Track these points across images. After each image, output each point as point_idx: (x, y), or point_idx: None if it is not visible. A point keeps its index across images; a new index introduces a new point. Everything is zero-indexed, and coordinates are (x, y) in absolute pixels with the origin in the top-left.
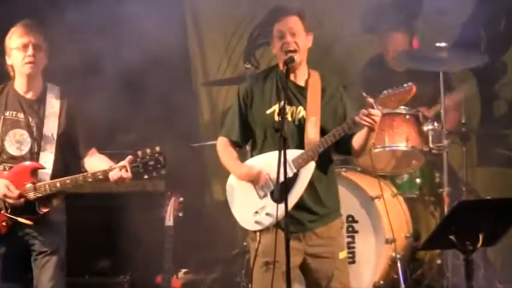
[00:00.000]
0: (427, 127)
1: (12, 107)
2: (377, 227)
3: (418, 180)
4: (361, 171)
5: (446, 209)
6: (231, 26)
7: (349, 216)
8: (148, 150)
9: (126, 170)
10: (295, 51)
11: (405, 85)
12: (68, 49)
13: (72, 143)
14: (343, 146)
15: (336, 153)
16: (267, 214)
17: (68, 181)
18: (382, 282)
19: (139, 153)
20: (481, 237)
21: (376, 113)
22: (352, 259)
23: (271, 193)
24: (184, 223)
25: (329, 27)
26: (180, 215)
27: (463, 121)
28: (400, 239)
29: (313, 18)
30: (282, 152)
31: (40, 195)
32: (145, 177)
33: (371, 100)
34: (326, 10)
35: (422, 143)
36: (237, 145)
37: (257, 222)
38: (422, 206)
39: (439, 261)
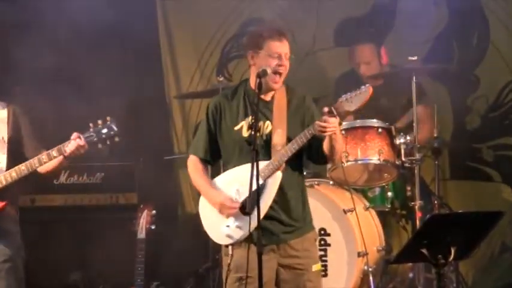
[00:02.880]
0: (399, 140)
1: None
2: (349, 240)
3: (390, 194)
4: (333, 184)
5: (418, 223)
6: (204, 39)
7: (321, 229)
8: (99, 121)
9: (80, 138)
10: (283, 74)
11: (362, 87)
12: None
13: (20, 147)
14: (315, 154)
15: (312, 163)
16: (238, 227)
17: (22, 167)
18: None
19: (91, 124)
20: (453, 250)
21: (332, 120)
22: (324, 272)
23: (241, 206)
24: (157, 236)
25: (302, 39)
26: (153, 227)
27: (435, 135)
28: (372, 252)
29: (286, 30)
30: (255, 165)
31: None
32: (100, 146)
33: (326, 108)
34: (299, 22)
35: (395, 157)
36: (207, 162)
37: (228, 236)
38: (394, 220)
39: (411, 275)
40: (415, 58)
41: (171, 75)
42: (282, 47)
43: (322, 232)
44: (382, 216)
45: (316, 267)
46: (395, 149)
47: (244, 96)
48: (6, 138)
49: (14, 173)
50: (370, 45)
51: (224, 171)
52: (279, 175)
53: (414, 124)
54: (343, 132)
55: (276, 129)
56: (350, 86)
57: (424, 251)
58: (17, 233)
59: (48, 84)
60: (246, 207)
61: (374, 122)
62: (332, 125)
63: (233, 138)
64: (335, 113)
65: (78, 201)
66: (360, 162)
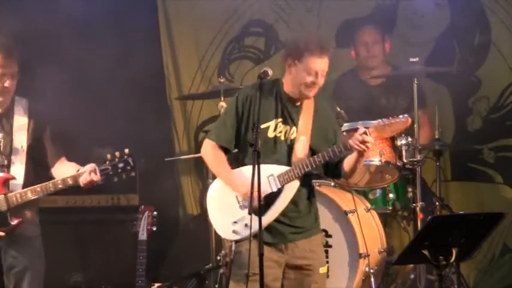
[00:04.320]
0: (400, 142)
1: None
2: (351, 242)
3: (391, 195)
4: (334, 185)
5: (419, 224)
6: (205, 40)
7: (323, 230)
8: (117, 153)
9: (95, 173)
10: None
11: (401, 116)
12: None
13: (41, 154)
14: (331, 169)
15: (330, 177)
16: (246, 225)
17: (38, 189)
18: None
19: (108, 156)
20: (454, 252)
21: (370, 140)
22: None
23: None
24: (158, 237)
25: None
26: (154, 229)
27: (436, 136)
28: (373, 253)
29: (287, 31)
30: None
31: (11, 205)
32: (115, 179)
33: (363, 129)
34: (300, 24)
35: (396, 158)
36: (226, 150)
37: (235, 232)
38: (395, 221)
39: (412, 276)
40: (416, 59)
41: (173, 77)
42: (320, 64)
43: (324, 233)
44: (384, 217)
45: (323, 269)
46: (397, 151)
47: (277, 96)
48: (25, 147)
49: (30, 193)
50: (375, 27)
51: (241, 165)
52: (296, 184)
53: (415, 125)
54: (344, 133)
55: (300, 135)
56: (350, 87)
57: (426, 252)
58: (37, 237)
59: (50, 87)
60: (248, 209)
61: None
62: (368, 144)
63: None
64: (368, 133)
65: (79, 202)
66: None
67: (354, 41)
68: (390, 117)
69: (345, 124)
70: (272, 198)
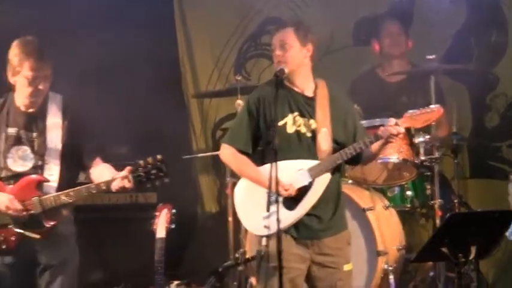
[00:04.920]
0: (418, 139)
1: (13, 123)
2: (369, 239)
3: (409, 193)
4: (352, 183)
5: (438, 222)
6: (222, 38)
7: None
8: (150, 159)
9: (129, 181)
10: (282, 63)
11: (432, 106)
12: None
13: (76, 153)
14: (355, 157)
15: (348, 164)
16: (277, 220)
17: (71, 193)
18: None
19: (141, 162)
20: (473, 249)
21: (401, 130)
22: None
23: (284, 199)
24: (176, 235)
25: (320, 38)
26: (172, 226)
27: (454, 130)
28: (392, 251)
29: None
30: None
31: (45, 208)
32: (148, 186)
33: (394, 120)
34: (317, 21)
35: (414, 155)
36: (245, 153)
37: (266, 227)
38: (413, 219)
39: (431, 274)
40: (433, 57)
41: (189, 74)
42: (274, 38)
43: None
44: (402, 215)
45: (348, 267)
46: (414, 148)
47: (288, 92)
48: (60, 147)
49: (63, 197)
50: (399, 21)
51: (266, 163)
52: (327, 176)
53: (433, 123)
54: None
55: (321, 127)
56: (368, 85)
57: (445, 249)
58: (72, 235)
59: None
60: (289, 201)
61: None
62: (398, 134)
63: (278, 133)
64: (400, 125)
65: (97, 200)
66: (379, 161)
67: (378, 33)
68: (421, 108)
69: (362, 122)
70: (303, 192)
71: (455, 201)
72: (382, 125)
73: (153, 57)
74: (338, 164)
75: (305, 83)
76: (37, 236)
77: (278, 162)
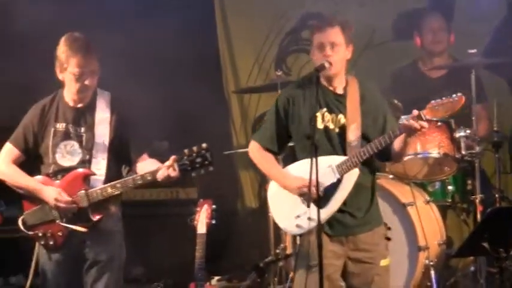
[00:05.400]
0: (459, 134)
1: (62, 118)
2: (410, 234)
3: (450, 188)
4: (393, 178)
5: (479, 217)
6: (262, 33)
7: None
8: (195, 148)
9: (174, 169)
10: (331, 64)
11: (454, 95)
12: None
13: (124, 148)
14: (384, 152)
15: (378, 159)
16: (309, 218)
17: (118, 185)
18: None
19: (185, 151)
20: None
21: (424, 124)
22: None
23: (314, 198)
24: (217, 231)
25: (360, 33)
26: (213, 222)
27: (495, 128)
28: (433, 246)
29: (332, 18)
30: (314, 160)
31: (93, 201)
32: (193, 174)
33: (416, 112)
34: (357, 16)
35: (455, 150)
36: (272, 152)
37: (298, 226)
38: (454, 213)
39: (472, 269)
40: (474, 51)
41: (229, 70)
42: (323, 37)
43: None
44: (443, 210)
45: (385, 262)
46: (455, 143)
47: (318, 88)
48: (108, 142)
49: (110, 189)
50: (441, 15)
51: (296, 161)
52: (356, 172)
53: (473, 118)
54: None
55: (350, 123)
56: (409, 79)
57: (486, 244)
58: (119, 232)
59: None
60: (306, 203)
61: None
62: (421, 127)
63: (307, 129)
64: (424, 118)
65: (138, 196)
66: (419, 156)
67: (420, 27)
68: (443, 98)
69: (402, 117)
70: (332, 189)
71: (496, 196)
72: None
73: (194, 53)
74: (367, 159)
75: (337, 80)
76: (84, 230)
77: (306, 160)
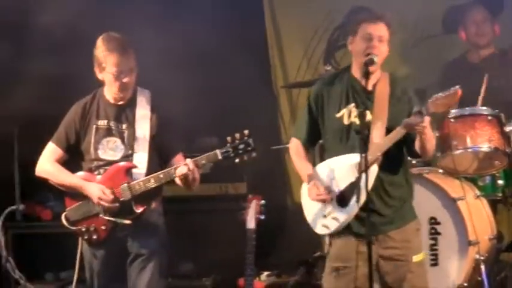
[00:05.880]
0: (509, 128)
1: (103, 115)
2: (460, 229)
3: (500, 182)
4: (443, 172)
5: None
6: (311, 27)
7: (431, 218)
8: (237, 135)
9: (190, 169)
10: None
11: (451, 89)
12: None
13: (162, 146)
14: (410, 149)
15: (409, 156)
16: (333, 218)
17: (161, 175)
18: (466, 284)
19: (228, 138)
20: None
21: (418, 120)
22: (435, 261)
23: (337, 197)
24: (266, 226)
25: (409, 27)
26: (262, 217)
27: None
28: (483, 241)
29: (393, 19)
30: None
31: (135, 194)
32: (236, 161)
33: (417, 108)
34: (406, 10)
35: (505, 144)
36: (304, 145)
37: (324, 226)
38: (505, 208)
39: None
40: None
41: (278, 65)
42: (373, 28)
43: (433, 221)
44: (493, 204)
45: (417, 257)
46: (506, 137)
47: (347, 83)
48: (148, 136)
49: (153, 180)
50: (484, 7)
51: (324, 158)
52: (374, 169)
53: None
54: (452, 120)
55: (376, 120)
56: (459, 72)
57: None
58: (161, 226)
59: (162, 74)
60: (344, 199)
61: (483, 110)
62: (419, 125)
63: (334, 125)
64: (424, 113)
65: (187, 191)
66: (469, 150)
67: (464, 21)
68: (442, 92)
69: (452, 111)
70: (353, 188)
71: None
72: (473, 114)
73: (242, 47)
74: (395, 155)
75: (372, 76)
76: (128, 222)
77: (334, 159)
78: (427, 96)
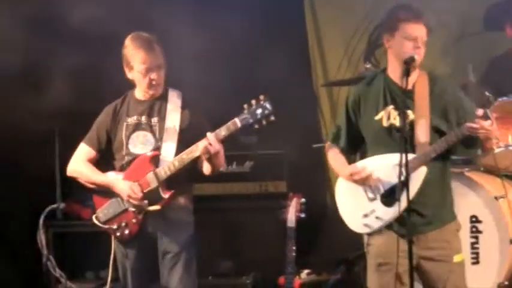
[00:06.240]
0: None
1: (133, 112)
2: (501, 227)
3: None
4: (483, 171)
5: None
6: (351, 25)
7: (472, 216)
8: (253, 101)
9: (210, 144)
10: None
11: None
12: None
13: (192, 140)
14: (469, 141)
15: (464, 149)
16: (377, 217)
17: (183, 156)
18: (506, 283)
19: (245, 106)
20: None
21: (485, 124)
22: (476, 260)
23: (382, 196)
24: (306, 224)
25: (451, 26)
26: (302, 215)
27: None
28: None
29: (434, 17)
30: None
31: (161, 179)
32: (256, 127)
33: (481, 111)
34: (447, 7)
35: None
36: (344, 152)
37: (366, 225)
38: None
39: None
40: None
41: (319, 63)
42: (418, 30)
43: (474, 219)
44: None
45: (458, 258)
46: None
47: (384, 84)
48: (178, 128)
49: (176, 162)
50: None
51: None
52: (423, 170)
53: None
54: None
55: (419, 120)
56: (503, 70)
57: None
58: (191, 223)
59: (201, 73)
60: (387, 198)
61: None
62: (484, 128)
63: (373, 128)
64: (489, 115)
65: (227, 190)
66: (510, 148)
67: (510, 17)
68: (510, 95)
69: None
70: (401, 187)
71: None
72: None
73: (283, 46)
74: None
75: (411, 76)
76: (157, 207)
77: (374, 158)
78: (468, 93)
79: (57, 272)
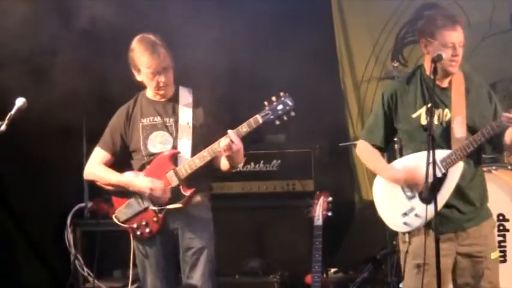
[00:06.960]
0: None
1: (147, 113)
2: None
3: None
4: (511, 169)
5: None
6: (379, 24)
7: (499, 214)
8: (273, 97)
9: (232, 141)
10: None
11: None
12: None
13: (209, 136)
14: (496, 142)
15: (490, 150)
16: (416, 215)
17: (204, 153)
18: None
19: (265, 102)
20: None
21: None
22: (503, 258)
23: (420, 194)
24: (333, 223)
25: (477, 23)
26: (329, 214)
27: None
28: None
29: (462, 15)
30: (431, 152)
31: (182, 177)
32: (277, 123)
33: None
34: (474, 6)
35: None
36: (379, 149)
37: (406, 224)
38: None
39: None
40: None
41: (346, 62)
42: (455, 36)
43: (501, 218)
44: None
45: (494, 255)
46: None
47: (421, 82)
48: (191, 124)
49: (197, 160)
50: None
51: (402, 154)
52: (461, 165)
53: None
54: None
55: (456, 116)
56: None
57: None
58: (210, 221)
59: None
60: (423, 194)
61: None
62: None
63: (411, 125)
64: None
65: (254, 188)
66: None
67: None
68: None
69: None
70: (438, 183)
71: None
72: None
73: (310, 44)
74: (472, 152)
75: (442, 74)
76: (179, 205)
77: (411, 156)
78: (497, 91)
79: (85, 271)
